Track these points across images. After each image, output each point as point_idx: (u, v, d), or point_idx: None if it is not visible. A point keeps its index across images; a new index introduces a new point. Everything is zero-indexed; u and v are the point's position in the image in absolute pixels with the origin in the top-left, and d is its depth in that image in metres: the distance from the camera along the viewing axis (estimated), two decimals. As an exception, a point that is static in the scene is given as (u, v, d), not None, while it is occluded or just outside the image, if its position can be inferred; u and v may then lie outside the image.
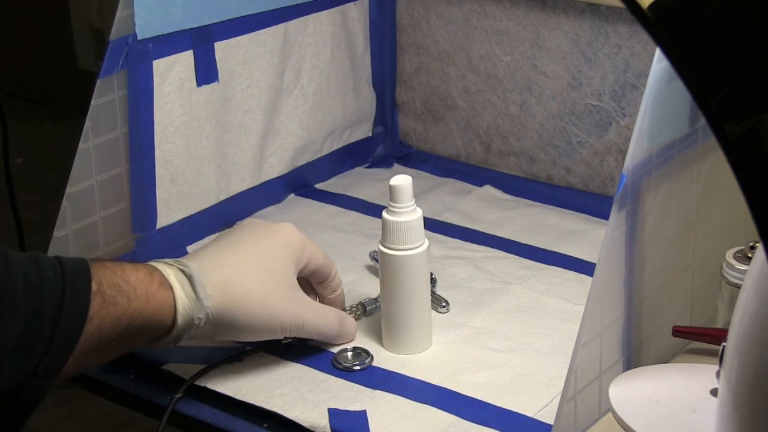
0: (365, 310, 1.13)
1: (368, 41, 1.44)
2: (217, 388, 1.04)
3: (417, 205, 1.06)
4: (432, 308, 1.11)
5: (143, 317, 0.93)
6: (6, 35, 3.13)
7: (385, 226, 1.06)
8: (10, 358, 0.85)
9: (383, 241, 1.06)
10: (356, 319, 1.12)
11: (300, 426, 0.99)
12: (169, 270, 0.96)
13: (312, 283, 1.09)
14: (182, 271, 0.97)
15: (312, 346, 1.10)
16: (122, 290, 0.91)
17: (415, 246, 1.06)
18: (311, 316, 1.04)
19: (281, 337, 1.06)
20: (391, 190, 1.05)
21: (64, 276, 0.88)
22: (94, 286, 0.89)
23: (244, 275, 1.00)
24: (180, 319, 0.95)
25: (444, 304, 1.14)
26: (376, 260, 1.19)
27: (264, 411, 1.01)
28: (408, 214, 1.05)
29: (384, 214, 1.06)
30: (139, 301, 0.92)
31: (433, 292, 1.12)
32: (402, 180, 1.05)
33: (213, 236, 1.26)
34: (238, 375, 1.06)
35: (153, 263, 0.97)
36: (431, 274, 1.13)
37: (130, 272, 0.93)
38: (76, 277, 0.88)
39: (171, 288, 0.95)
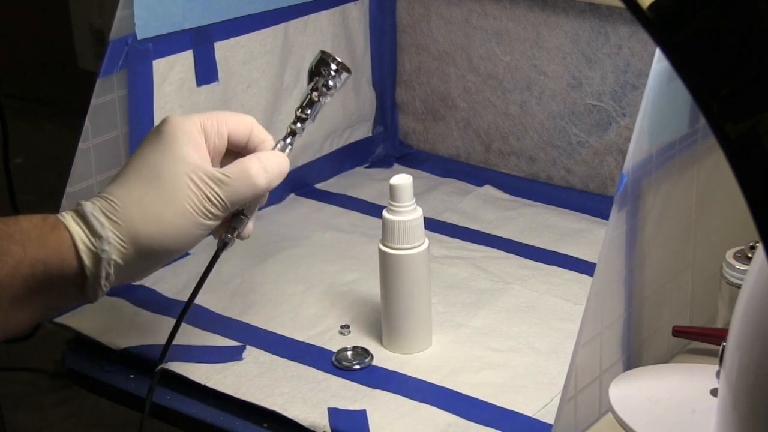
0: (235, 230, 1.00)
1: (368, 41, 1.44)
2: (217, 388, 1.04)
3: (417, 205, 1.06)
4: None
5: (44, 263, 0.88)
6: (6, 35, 3.13)
7: (385, 226, 1.06)
8: None
9: (384, 240, 1.06)
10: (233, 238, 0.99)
11: (300, 425, 0.99)
12: (64, 214, 0.91)
13: (237, 149, 0.99)
14: (76, 210, 0.92)
15: (312, 345, 1.10)
16: (15, 239, 0.87)
17: (416, 245, 1.06)
18: (225, 187, 0.93)
19: (209, 230, 0.95)
20: (392, 189, 1.05)
21: None
22: None
23: (139, 192, 0.92)
24: (84, 256, 0.89)
25: None
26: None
27: (264, 410, 1.01)
28: (408, 213, 1.05)
29: (384, 213, 1.06)
30: (34, 247, 0.88)
31: None
32: (402, 179, 1.05)
33: None
34: (238, 374, 1.06)
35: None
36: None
37: (23, 221, 0.89)
38: None
39: (67, 228, 0.90)
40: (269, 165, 0.97)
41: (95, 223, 0.90)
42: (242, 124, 0.98)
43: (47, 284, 0.89)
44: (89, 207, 0.91)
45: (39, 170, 2.49)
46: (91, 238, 0.90)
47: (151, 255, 0.92)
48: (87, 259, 0.90)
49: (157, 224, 0.91)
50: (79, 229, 0.90)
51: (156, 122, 1.20)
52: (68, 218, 0.90)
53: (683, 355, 1.03)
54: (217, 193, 0.93)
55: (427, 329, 1.09)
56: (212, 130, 0.96)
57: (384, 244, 1.06)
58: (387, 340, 1.09)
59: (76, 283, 0.91)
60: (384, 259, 1.07)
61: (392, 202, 1.05)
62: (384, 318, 1.09)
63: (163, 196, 0.92)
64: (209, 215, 0.93)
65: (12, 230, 0.88)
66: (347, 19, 1.40)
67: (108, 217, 0.91)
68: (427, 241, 1.07)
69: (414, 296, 1.07)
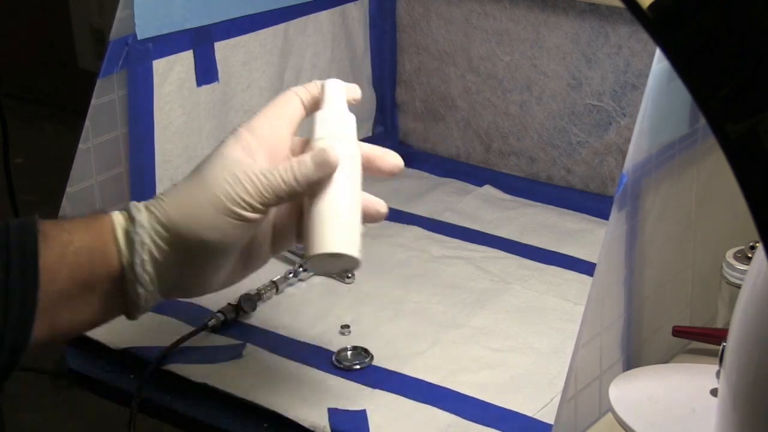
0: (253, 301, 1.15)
1: (368, 41, 1.44)
2: (218, 387, 1.04)
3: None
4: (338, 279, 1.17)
5: (88, 248, 0.89)
6: (6, 35, 3.13)
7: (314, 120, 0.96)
8: None
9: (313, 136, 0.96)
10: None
11: (300, 426, 0.99)
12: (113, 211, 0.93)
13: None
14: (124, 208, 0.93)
15: (312, 345, 1.10)
16: (65, 228, 0.90)
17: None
18: (262, 179, 0.91)
19: (248, 225, 0.91)
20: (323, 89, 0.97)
21: (8, 229, 0.86)
22: (39, 227, 0.87)
23: (180, 186, 0.93)
24: (120, 239, 0.89)
25: (350, 275, 1.18)
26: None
27: (264, 410, 1.01)
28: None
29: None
30: (80, 232, 0.89)
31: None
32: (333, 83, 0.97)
33: None
34: (238, 374, 1.06)
35: None
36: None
37: (74, 216, 0.94)
38: (20, 225, 0.87)
39: (110, 216, 0.91)
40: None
41: (132, 208, 0.90)
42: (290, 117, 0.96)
43: (91, 276, 0.89)
44: (135, 203, 0.92)
45: (39, 170, 2.49)
46: (128, 224, 0.90)
47: (188, 248, 0.91)
48: (122, 243, 0.89)
49: (188, 210, 0.90)
50: (121, 217, 0.90)
51: (156, 122, 1.20)
52: (115, 211, 0.91)
53: (683, 355, 1.03)
54: (252, 182, 0.91)
55: (352, 230, 0.97)
56: (263, 127, 0.94)
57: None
58: (308, 241, 0.94)
59: (115, 278, 0.89)
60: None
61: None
62: (306, 217, 0.95)
63: (199, 185, 0.91)
64: (243, 204, 0.90)
65: (63, 222, 0.92)
66: (347, 19, 1.40)
67: (147, 207, 0.91)
68: (356, 140, 0.99)
69: (338, 191, 0.96)
